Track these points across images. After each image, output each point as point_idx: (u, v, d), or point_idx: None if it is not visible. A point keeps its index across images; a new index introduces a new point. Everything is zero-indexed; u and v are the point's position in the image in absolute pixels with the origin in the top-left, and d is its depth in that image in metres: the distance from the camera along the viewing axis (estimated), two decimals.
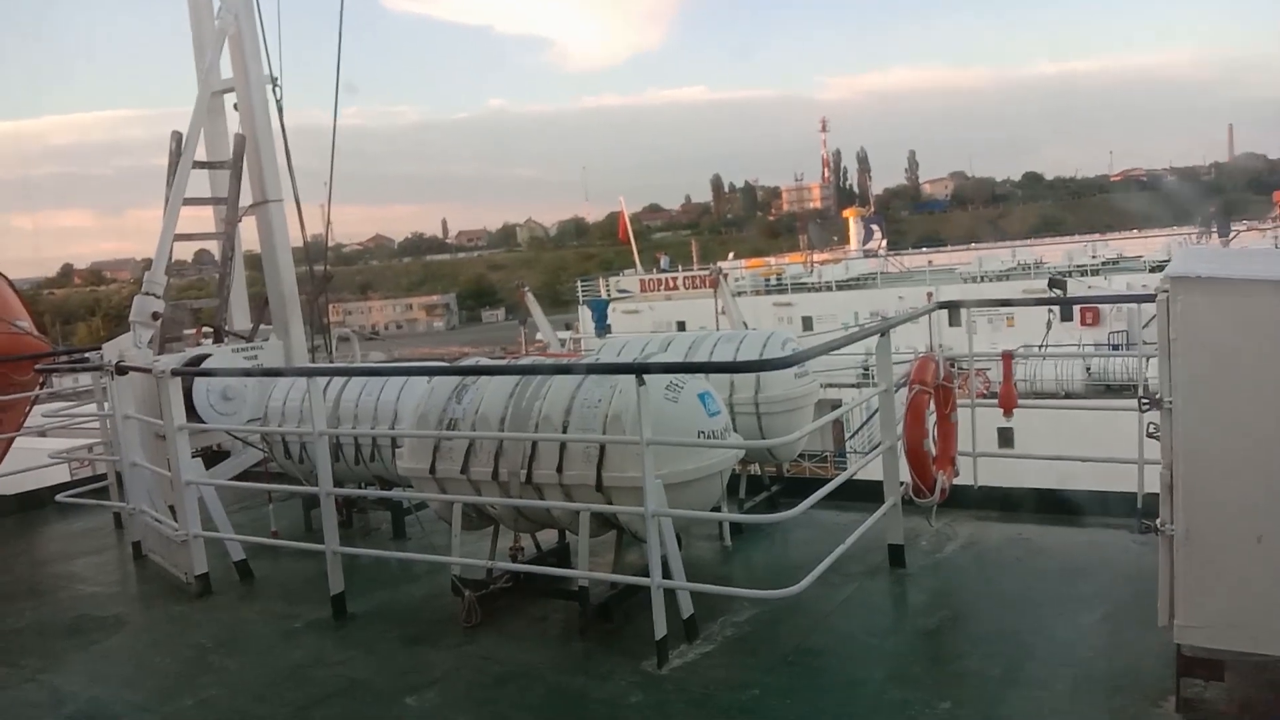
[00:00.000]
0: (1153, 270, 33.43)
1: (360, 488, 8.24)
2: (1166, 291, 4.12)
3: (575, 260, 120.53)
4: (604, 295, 48.00)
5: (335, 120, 11.20)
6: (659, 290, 46.17)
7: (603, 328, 43.65)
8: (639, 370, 5.10)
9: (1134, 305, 28.43)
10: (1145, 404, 4.36)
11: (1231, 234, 36.94)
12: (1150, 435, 4.49)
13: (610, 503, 5.59)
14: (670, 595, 5.25)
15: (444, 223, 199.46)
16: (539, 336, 44.30)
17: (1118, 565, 6.09)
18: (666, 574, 5.17)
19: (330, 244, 13.00)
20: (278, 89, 10.24)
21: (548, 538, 6.62)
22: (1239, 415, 3.99)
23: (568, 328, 47.57)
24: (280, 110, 10.31)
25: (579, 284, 51.89)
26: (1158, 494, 4.33)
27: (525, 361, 6.77)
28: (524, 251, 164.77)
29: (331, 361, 11.19)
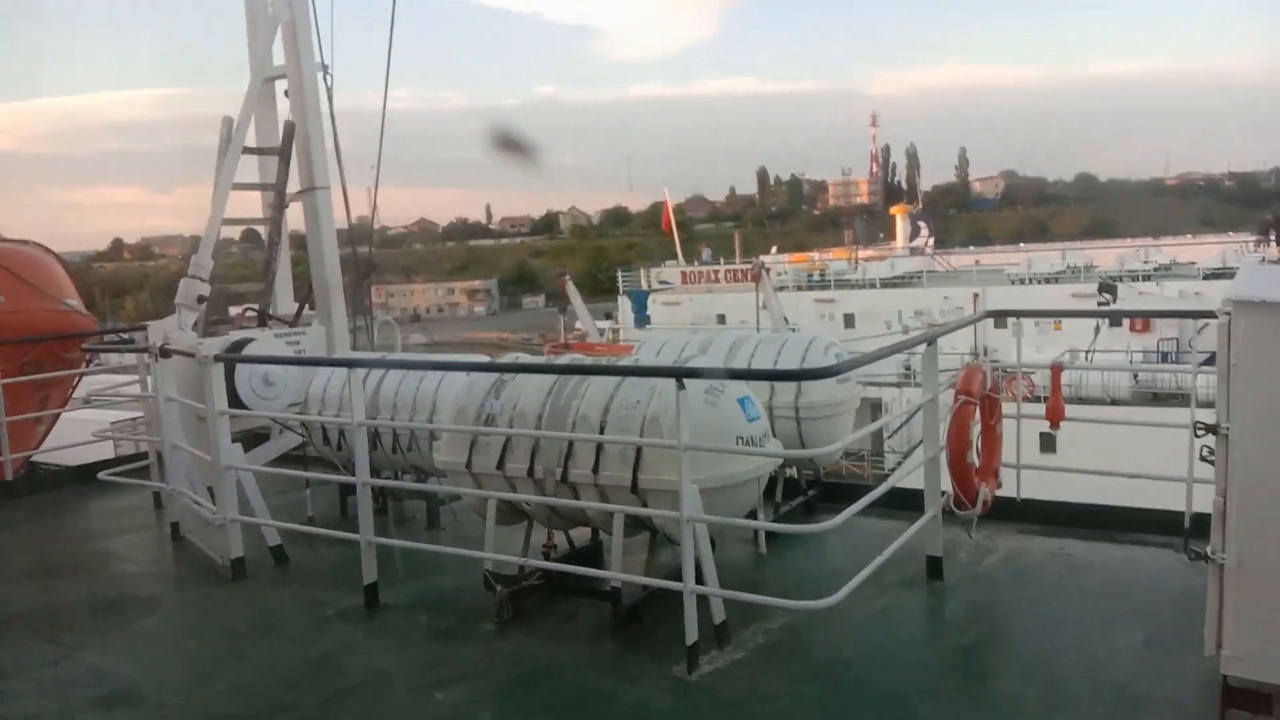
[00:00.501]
0: (1206, 278, 32.69)
1: (396, 476, 8.28)
2: (1228, 314, 3.99)
3: (617, 249, 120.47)
4: (644, 286, 47.90)
5: (384, 109, 11.27)
6: (700, 283, 45.98)
7: (642, 318, 43.61)
8: (680, 375, 5.05)
9: (1187, 319, 27.84)
10: (1202, 428, 4.22)
11: None
12: (1204, 459, 4.36)
13: (645, 505, 5.55)
14: (703, 600, 5.20)
15: (488, 208, 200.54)
16: (578, 325, 44.36)
17: (1162, 586, 5.94)
18: (700, 579, 5.13)
19: (375, 227, 13.10)
20: (329, 77, 10.31)
21: (581, 535, 6.60)
22: None
23: (607, 317, 47.57)
24: (330, 97, 10.38)
25: (619, 274, 51.86)
26: (1206, 514, 4.21)
27: (563, 359, 6.72)
28: (566, 239, 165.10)
29: (373, 346, 11.28)
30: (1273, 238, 37.15)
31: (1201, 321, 7.25)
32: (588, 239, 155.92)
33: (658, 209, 74.90)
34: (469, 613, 6.05)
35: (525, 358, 7.55)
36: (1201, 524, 4.41)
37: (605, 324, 44.46)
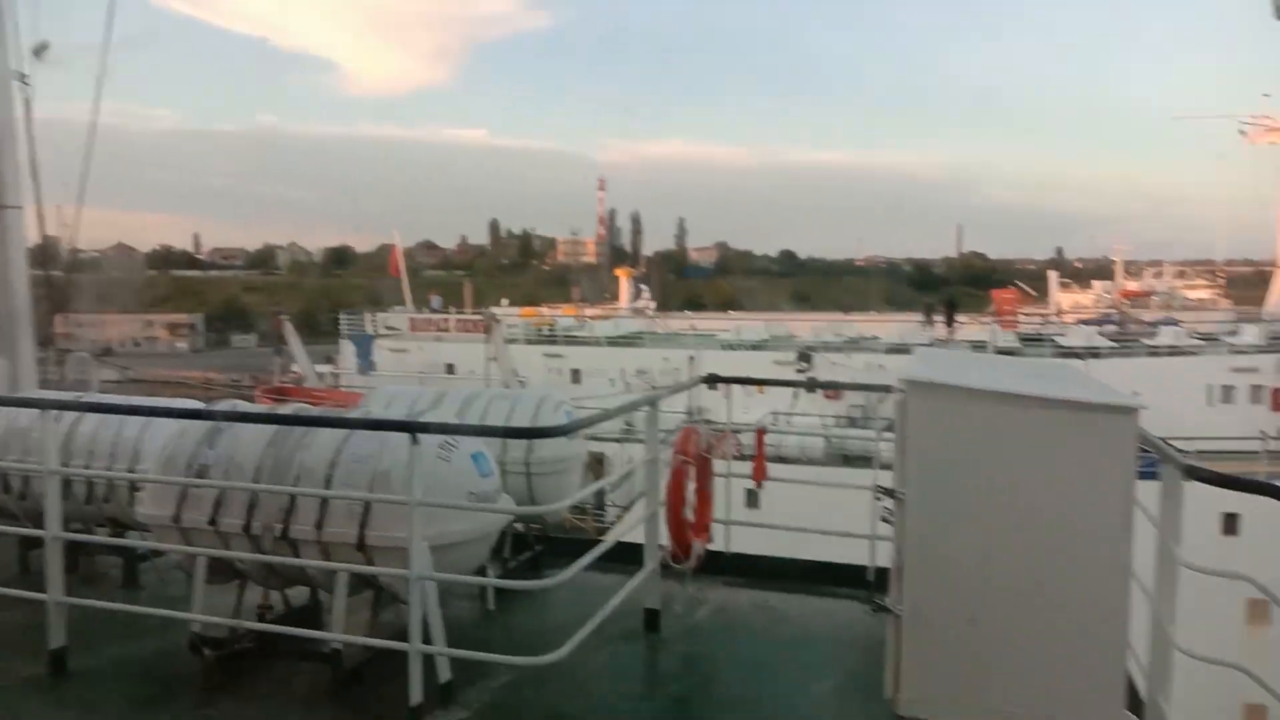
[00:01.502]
0: (888, 352, 36.51)
1: (89, 528, 7.54)
2: (903, 392, 4.61)
3: (340, 290, 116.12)
4: (370, 331, 46.50)
5: (94, 126, 10.40)
6: (429, 331, 45.31)
7: (366, 365, 42.25)
8: (414, 429, 5.06)
9: (873, 392, 30.98)
10: (882, 492, 4.81)
11: (956, 325, 41.07)
12: (884, 520, 4.97)
13: (371, 562, 5.45)
14: (428, 659, 5.17)
15: (196, 237, 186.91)
16: (295, 368, 42.27)
17: (850, 634, 6.58)
18: (427, 638, 5.10)
19: (68, 249, 11.99)
20: (27, 86, 9.40)
21: (299, 594, 6.34)
22: (960, 508, 4.50)
23: (328, 361, 45.68)
24: (29, 109, 9.46)
25: (343, 317, 50.03)
26: (887, 568, 4.78)
27: (289, 409, 6.49)
28: (285, 275, 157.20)
29: (63, 381, 10.26)
30: (937, 319, 42.24)
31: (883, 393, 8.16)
32: (309, 277, 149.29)
33: (386, 251, 73.28)
34: (173, 680, 5.62)
35: (243, 405, 7.16)
36: (884, 577, 4.99)
37: (326, 369, 42.67)
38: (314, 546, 5.54)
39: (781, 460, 28.73)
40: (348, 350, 45.03)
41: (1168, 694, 4.70)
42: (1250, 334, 35.94)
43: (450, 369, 40.37)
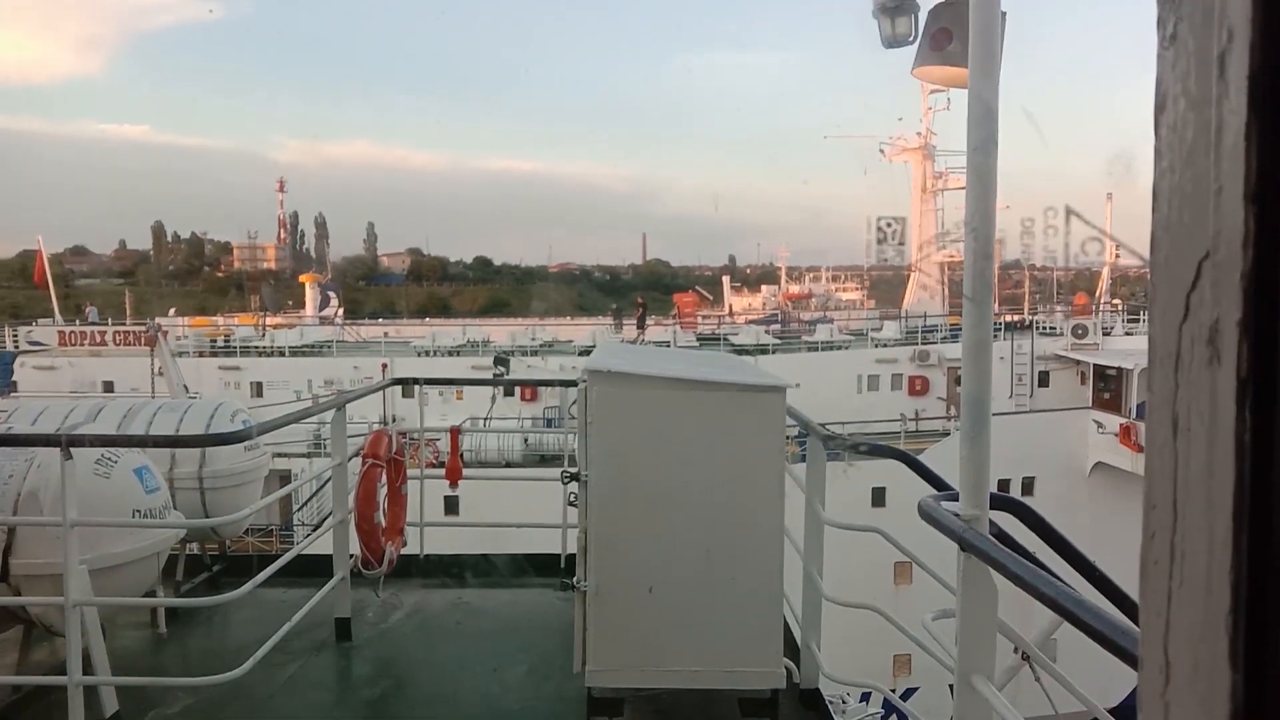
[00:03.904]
0: (580, 354, 37.68)
1: None
2: (585, 381, 4.88)
3: None
4: (11, 347, 41.12)
5: None
6: (83, 345, 40.79)
7: (6, 384, 37.34)
8: (66, 442, 4.63)
9: (563, 387, 31.91)
10: (567, 476, 5.05)
11: (646, 326, 43.22)
12: (571, 504, 5.22)
13: (19, 593, 4.92)
14: (91, 693, 4.75)
15: None
16: None
17: (544, 621, 6.81)
18: (89, 669, 4.69)
19: None
20: None
21: None
22: (638, 484, 4.83)
23: None
24: None
25: None
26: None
27: None
28: None
29: None
30: (628, 322, 44.35)
31: (574, 390, 8.50)
32: None
33: (29, 258, 65.20)
34: None
35: None
36: (574, 563, 5.23)
37: None
38: None
39: (482, 464, 28.83)
40: None
41: (818, 639, 5.32)
42: (890, 330, 40.67)
43: (109, 387, 36.62)
